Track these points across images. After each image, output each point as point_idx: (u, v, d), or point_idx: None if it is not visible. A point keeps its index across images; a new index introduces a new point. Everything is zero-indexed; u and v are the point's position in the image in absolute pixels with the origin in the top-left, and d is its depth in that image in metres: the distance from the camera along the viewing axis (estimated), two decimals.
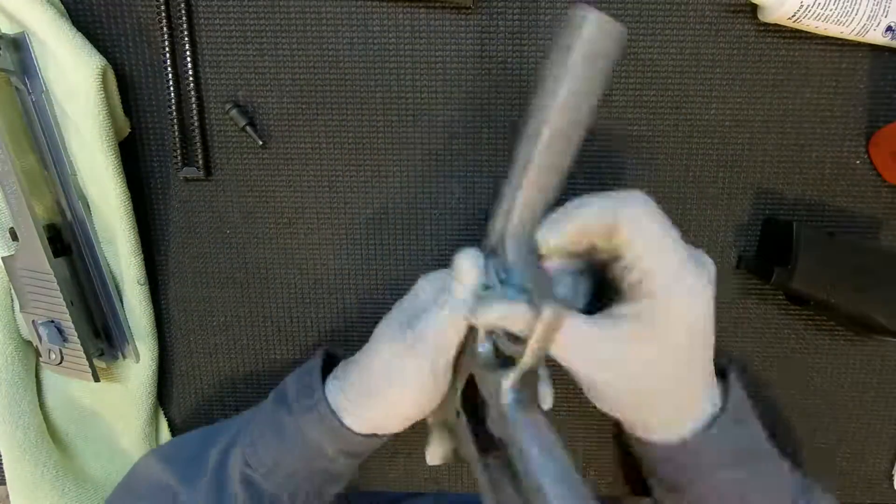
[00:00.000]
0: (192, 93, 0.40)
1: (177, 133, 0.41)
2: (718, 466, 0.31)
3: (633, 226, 0.26)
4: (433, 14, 0.39)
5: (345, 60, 0.40)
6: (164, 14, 0.39)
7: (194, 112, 0.40)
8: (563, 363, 0.29)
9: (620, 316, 0.28)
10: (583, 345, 0.28)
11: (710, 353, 0.30)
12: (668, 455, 0.31)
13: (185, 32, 0.39)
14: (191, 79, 0.40)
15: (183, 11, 0.39)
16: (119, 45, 0.40)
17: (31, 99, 0.38)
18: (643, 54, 0.40)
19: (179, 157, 0.41)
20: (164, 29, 0.39)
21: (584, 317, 0.28)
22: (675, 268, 0.27)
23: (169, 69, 0.40)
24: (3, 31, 0.37)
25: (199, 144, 0.41)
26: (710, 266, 0.29)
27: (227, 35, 0.40)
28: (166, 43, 0.39)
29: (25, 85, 0.38)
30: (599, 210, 0.27)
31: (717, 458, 0.30)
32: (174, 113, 0.40)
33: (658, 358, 0.28)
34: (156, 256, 0.43)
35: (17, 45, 0.37)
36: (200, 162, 0.41)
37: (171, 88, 0.40)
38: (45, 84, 0.38)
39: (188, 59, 0.40)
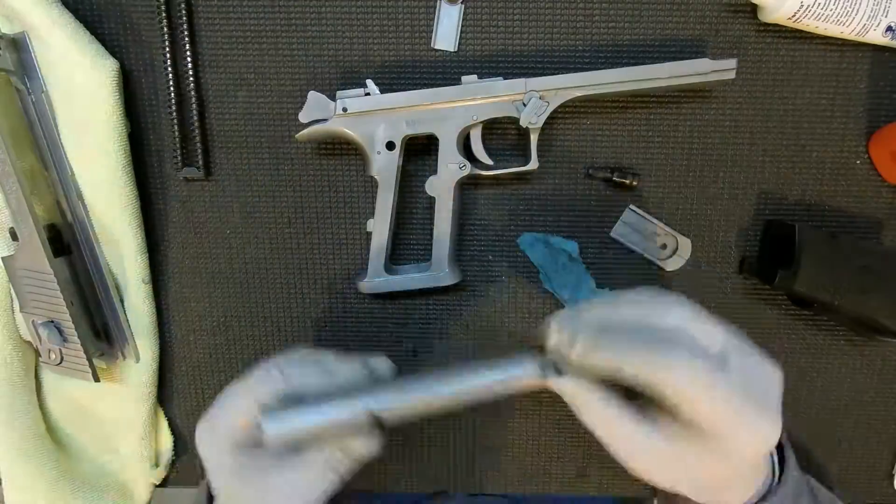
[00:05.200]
0: (193, 93, 0.40)
1: (177, 133, 0.41)
2: None
3: (678, 386, 0.24)
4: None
5: (345, 60, 0.40)
6: (164, 14, 0.39)
7: (194, 112, 0.40)
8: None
9: (673, 432, 0.26)
10: (627, 440, 0.27)
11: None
12: None
13: (186, 32, 0.39)
14: (191, 79, 0.40)
15: (183, 11, 0.39)
16: (119, 45, 0.40)
17: (31, 99, 0.38)
18: (643, 54, 0.40)
19: (179, 157, 0.41)
20: (165, 29, 0.39)
21: (632, 414, 0.26)
22: (730, 418, 0.25)
23: (169, 69, 0.40)
24: (3, 31, 0.37)
25: (199, 144, 0.41)
26: (771, 383, 0.27)
27: (228, 35, 0.40)
28: (167, 43, 0.39)
29: (25, 85, 0.38)
30: (637, 364, 0.25)
31: None
32: (174, 113, 0.40)
33: (713, 472, 0.26)
34: (156, 256, 0.43)
35: (17, 45, 0.37)
36: (200, 162, 0.41)
37: (172, 88, 0.40)
38: (45, 84, 0.38)
39: (188, 58, 0.40)
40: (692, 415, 0.25)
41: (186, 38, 0.39)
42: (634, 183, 0.41)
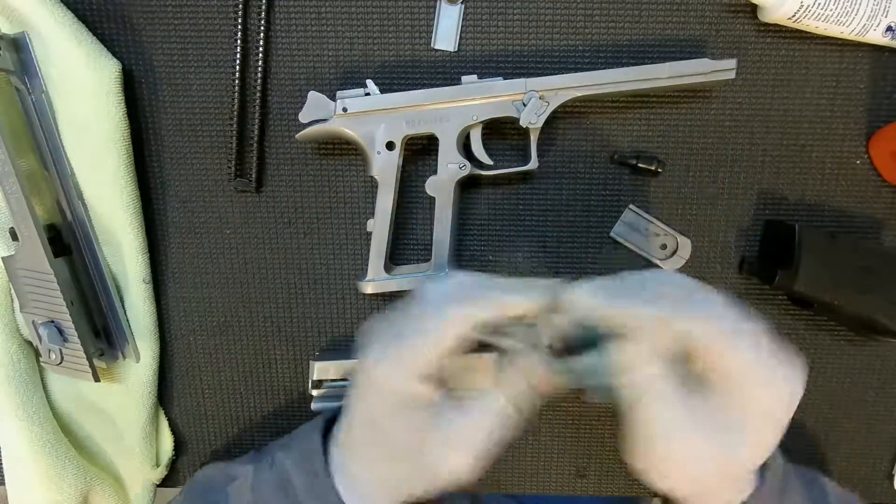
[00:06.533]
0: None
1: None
2: None
3: (707, 337, 0.27)
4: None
5: (345, 60, 0.40)
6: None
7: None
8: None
9: (708, 407, 0.28)
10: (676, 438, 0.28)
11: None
12: None
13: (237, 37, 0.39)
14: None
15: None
16: (119, 45, 0.40)
17: (31, 99, 0.38)
18: (643, 54, 0.40)
19: (233, 168, 0.41)
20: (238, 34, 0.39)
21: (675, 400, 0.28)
22: (752, 365, 0.27)
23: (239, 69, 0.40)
24: (3, 32, 0.37)
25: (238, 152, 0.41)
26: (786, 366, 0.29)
27: (228, 34, 0.40)
28: (237, 50, 0.40)
29: (25, 85, 0.38)
30: (669, 316, 0.27)
31: None
32: (235, 125, 0.41)
33: (739, 443, 0.28)
34: (156, 256, 0.43)
35: (17, 45, 0.37)
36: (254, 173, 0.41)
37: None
38: (44, 84, 0.38)
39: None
40: (720, 367, 0.27)
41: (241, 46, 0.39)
42: (659, 170, 0.41)
